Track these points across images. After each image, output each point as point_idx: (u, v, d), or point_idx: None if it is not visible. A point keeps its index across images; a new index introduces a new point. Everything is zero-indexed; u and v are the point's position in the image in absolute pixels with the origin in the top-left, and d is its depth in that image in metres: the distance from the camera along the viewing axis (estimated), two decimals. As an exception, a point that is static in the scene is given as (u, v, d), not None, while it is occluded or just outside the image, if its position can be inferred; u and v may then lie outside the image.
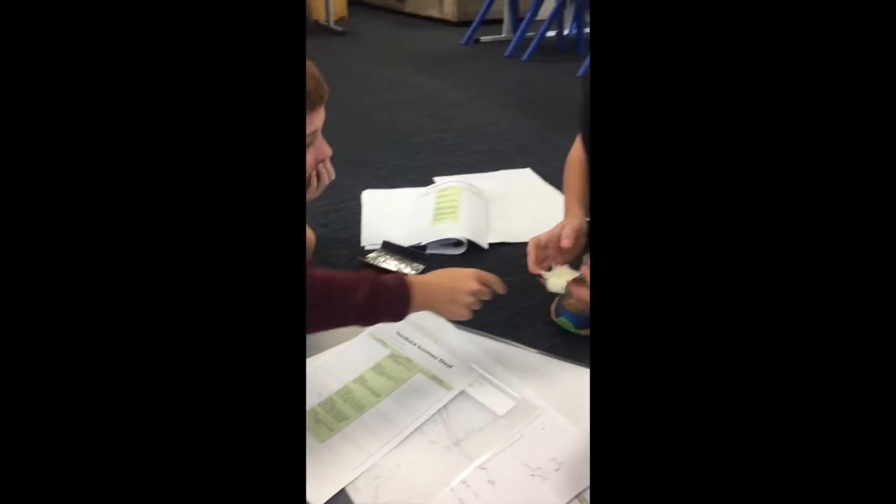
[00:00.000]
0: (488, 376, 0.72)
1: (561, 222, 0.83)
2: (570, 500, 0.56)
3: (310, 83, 0.65)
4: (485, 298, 0.68)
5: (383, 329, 0.80)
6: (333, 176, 0.84)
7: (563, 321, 0.82)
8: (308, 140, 0.71)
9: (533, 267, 0.79)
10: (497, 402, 0.68)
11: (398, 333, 0.79)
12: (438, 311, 0.67)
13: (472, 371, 0.72)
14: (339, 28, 3.07)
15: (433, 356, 0.75)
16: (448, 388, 0.70)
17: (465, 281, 0.65)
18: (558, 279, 0.78)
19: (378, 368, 0.73)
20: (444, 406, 0.68)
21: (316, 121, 0.70)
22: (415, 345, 0.78)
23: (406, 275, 0.66)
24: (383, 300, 0.63)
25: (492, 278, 0.69)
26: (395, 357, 0.75)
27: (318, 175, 0.81)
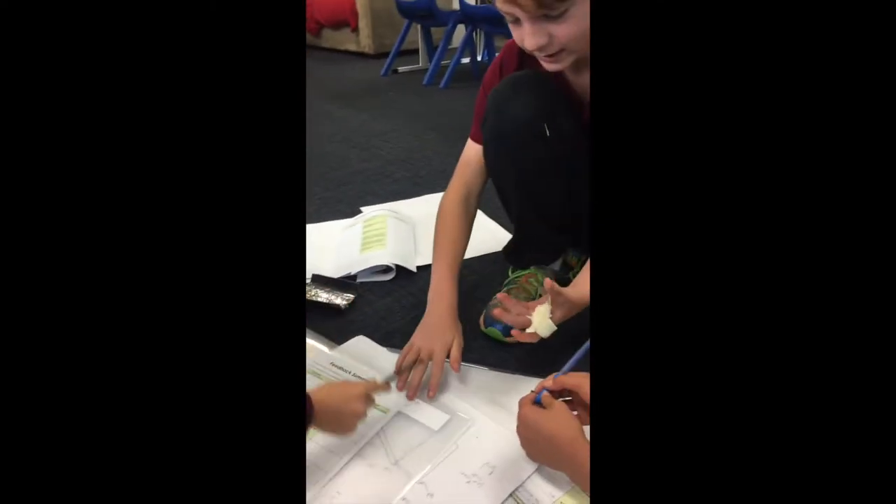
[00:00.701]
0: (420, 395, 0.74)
1: (448, 336, 0.76)
2: (505, 500, 0.60)
3: None
4: (371, 407, 0.66)
5: (317, 361, 0.81)
6: None
7: (493, 331, 0.87)
8: None
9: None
10: (431, 418, 0.71)
11: (332, 364, 0.81)
12: (323, 431, 0.65)
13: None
14: (256, 67, 3.06)
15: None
16: (384, 411, 0.72)
17: (354, 403, 0.63)
18: (542, 320, 0.71)
19: (314, 401, 0.74)
20: (382, 428, 0.70)
21: None
22: (349, 373, 0.79)
23: (307, 395, 0.59)
24: None
25: (378, 387, 0.68)
26: (330, 388, 0.77)
27: None
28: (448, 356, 0.76)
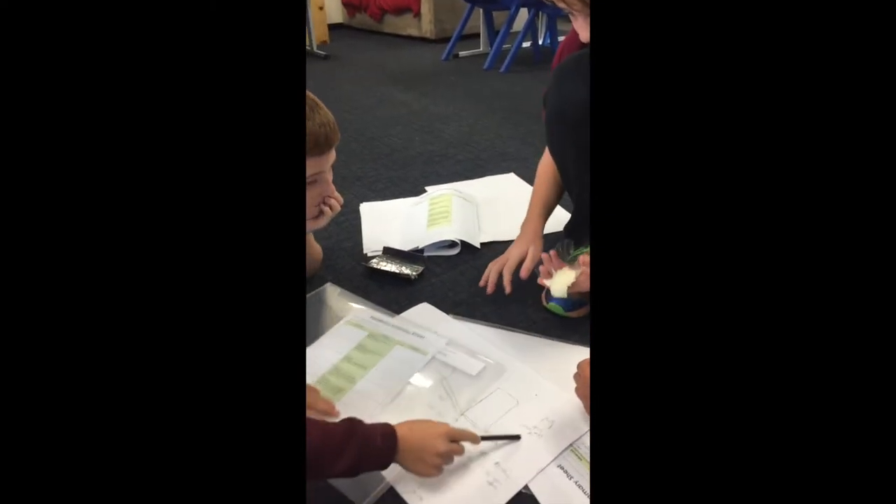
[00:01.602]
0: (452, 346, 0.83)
1: (525, 247, 0.92)
2: (564, 450, 0.65)
3: (326, 129, 0.77)
4: (458, 456, 0.62)
5: (359, 315, 0.91)
6: (339, 208, 0.91)
7: (554, 306, 0.91)
8: (316, 177, 0.81)
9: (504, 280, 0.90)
10: (467, 363, 0.79)
11: (372, 318, 0.90)
12: (406, 468, 0.60)
13: (441, 338, 0.84)
14: (322, 52, 3.18)
15: (406, 331, 0.86)
16: (424, 353, 0.82)
17: (434, 440, 0.60)
18: (561, 284, 0.83)
19: (360, 348, 0.84)
20: (448, 382, 0.77)
21: (328, 161, 0.81)
22: (388, 324, 0.88)
23: (393, 430, 0.59)
24: (371, 460, 0.58)
25: (465, 435, 0.62)
26: (373, 336, 0.86)
27: (329, 207, 0.89)
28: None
